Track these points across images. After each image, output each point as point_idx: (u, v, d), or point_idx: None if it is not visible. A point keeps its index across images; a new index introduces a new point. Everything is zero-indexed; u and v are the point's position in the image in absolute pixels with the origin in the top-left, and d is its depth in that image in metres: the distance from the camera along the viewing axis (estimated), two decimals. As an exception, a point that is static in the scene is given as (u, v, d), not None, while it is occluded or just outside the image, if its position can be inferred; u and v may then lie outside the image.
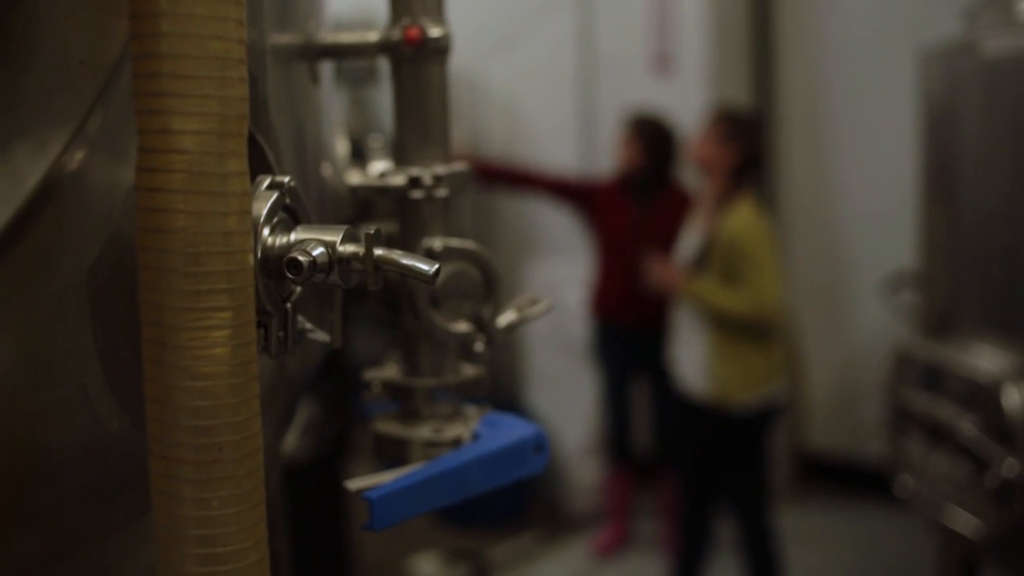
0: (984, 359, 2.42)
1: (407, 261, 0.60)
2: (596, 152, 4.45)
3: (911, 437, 2.63)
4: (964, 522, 2.37)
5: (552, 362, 4.31)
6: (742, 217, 2.96)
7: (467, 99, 5.10)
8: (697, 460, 3.11)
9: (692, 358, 3.01)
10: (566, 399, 4.24)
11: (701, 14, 4.12)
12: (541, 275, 4.46)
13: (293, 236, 0.60)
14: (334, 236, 0.60)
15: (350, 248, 0.59)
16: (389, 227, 0.86)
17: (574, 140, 4.62)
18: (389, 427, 0.82)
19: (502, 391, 5.14)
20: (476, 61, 5.04)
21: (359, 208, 0.93)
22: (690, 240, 3.10)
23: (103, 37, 0.57)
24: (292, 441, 2.96)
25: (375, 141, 0.96)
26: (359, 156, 0.97)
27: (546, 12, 4.86)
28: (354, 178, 0.88)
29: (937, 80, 2.72)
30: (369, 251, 0.59)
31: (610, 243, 3.63)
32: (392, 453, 0.81)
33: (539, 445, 0.76)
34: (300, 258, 0.58)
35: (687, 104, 4.08)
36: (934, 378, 2.57)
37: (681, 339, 3.09)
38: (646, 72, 4.27)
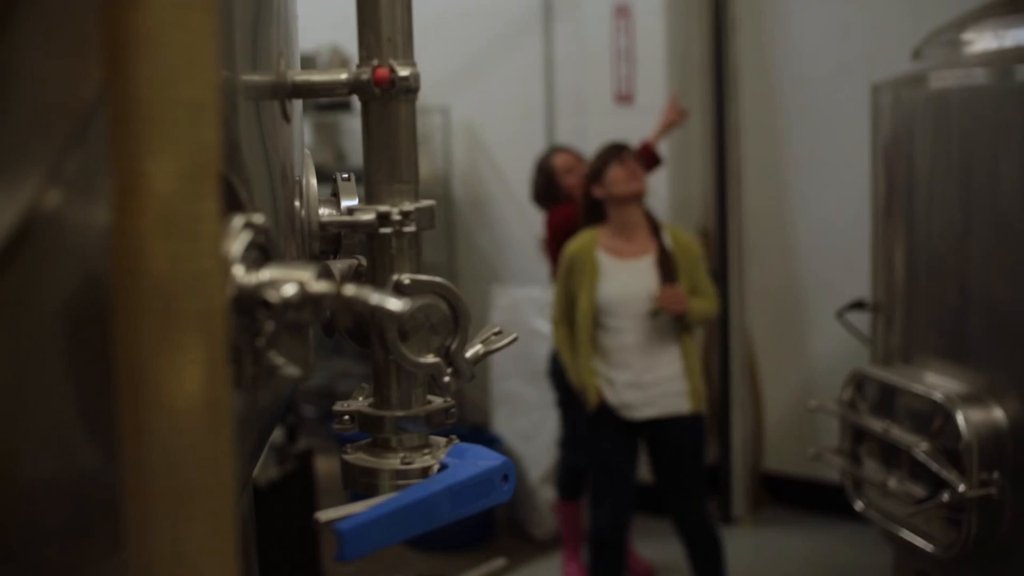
0: (937, 383, 2.48)
1: (376, 298, 0.61)
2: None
3: (868, 458, 2.68)
4: (919, 539, 2.42)
5: (518, 387, 4.34)
6: (678, 230, 3.33)
7: (432, 127, 5.14)
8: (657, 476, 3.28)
9: (667, 375, 3.14)
10: (533, 423, 4.27)
11: (661, 48, 4.20)
12: (506, 301, 4.49)
13: (265, 274, 0.62)
14: (305, 274, 0.61)
15: (321, 286, 0.61)
16: (359, 261, 0.88)
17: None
18: (358, 457, 0.83)
19: (469, 415, 5.15)
20: (442, 89, 5.09)
21: (330, 242, 0.95)
22: (643, 265, 3.13)
23: (78, 79, 0.58)
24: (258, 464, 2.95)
25: (344, 176, 0.98)
26: (324, 182, 0.99)
27: (512, 43, 4.93)
28: (325, 213, 0.89)
29: (888, 112, 2.80)
30: (339, 289, 0.60)
31: None
32: (362, 483, 0.82)
33: (506, 475, 0.78)
34: (272, 296, 0.59)
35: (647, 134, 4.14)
36: (889, 401, 2.63)
37: (651, 361, 3.14)
38: (608, 103, 4.34)
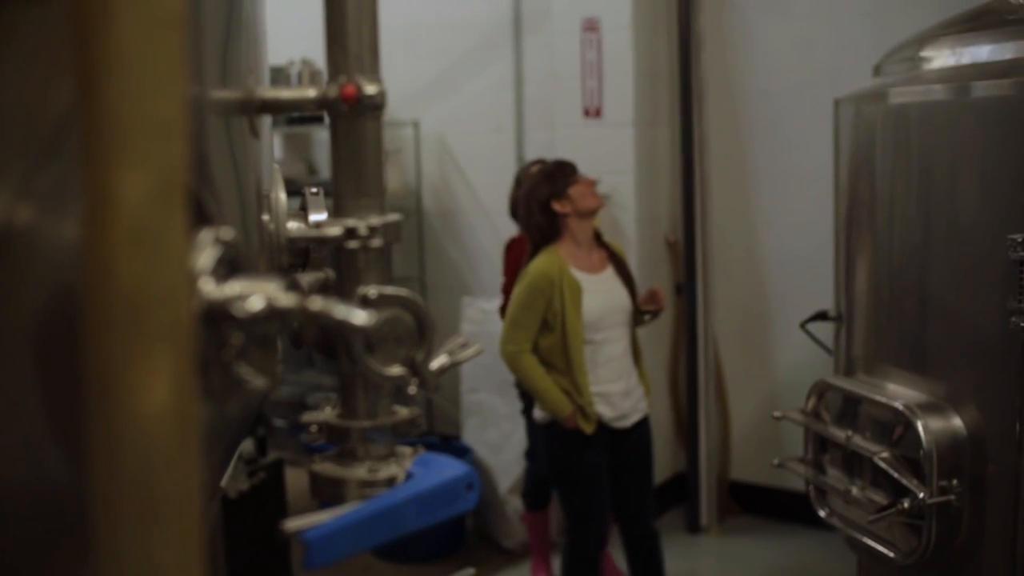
0: (898, 393, 2.52)
1: (342, 312, 0.63)
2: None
3: (831, 466, 2.72)
4: (881, 546, 2.46)
5: (488, 398, 4.35)
6: (610, 238, 3.39)
7: (403, 140, 5.16)
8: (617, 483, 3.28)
9: (630, 383, 3.21)
10: (502, 434, 4.28)
11: (628, 62, 4.25)
12: (476, 312, 4.51)
13: (233, 287, 0.63)
14: (272, 287, 0.63)
15: (287, 299, 0.62)
16: (327, 274, 0.90)
17: (508, 183, 4.72)
18: (325, 467, 0.85)
19: (440, 426, 5.15)
20: (413, 102, 5.11)
21: (298, 255, 0.96)
22: (608, 275, 3.21)
23: (50, 93, 0.60)
24: (227, 474, 2.95)
25: (313, 191, 0.99)
26: (293, 195, 1.00)
27: (482, 56, 4.96)
28: (293, 227, 0.91)
29: (850, 126, 2.85)
30: (305, 303, 0.62)
31: None
32: (329, 493, 0.84)
33: (470, 484, 0.80)
34: (239, 309, 0.61)
35: (615, 150, 4.20)
36: (853, 410, 2.67)
37: (631, 368, 3.22)
38: (577, 117, 4.38)
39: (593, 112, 4.30)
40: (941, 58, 2.65)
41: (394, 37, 5.10)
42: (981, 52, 2.54)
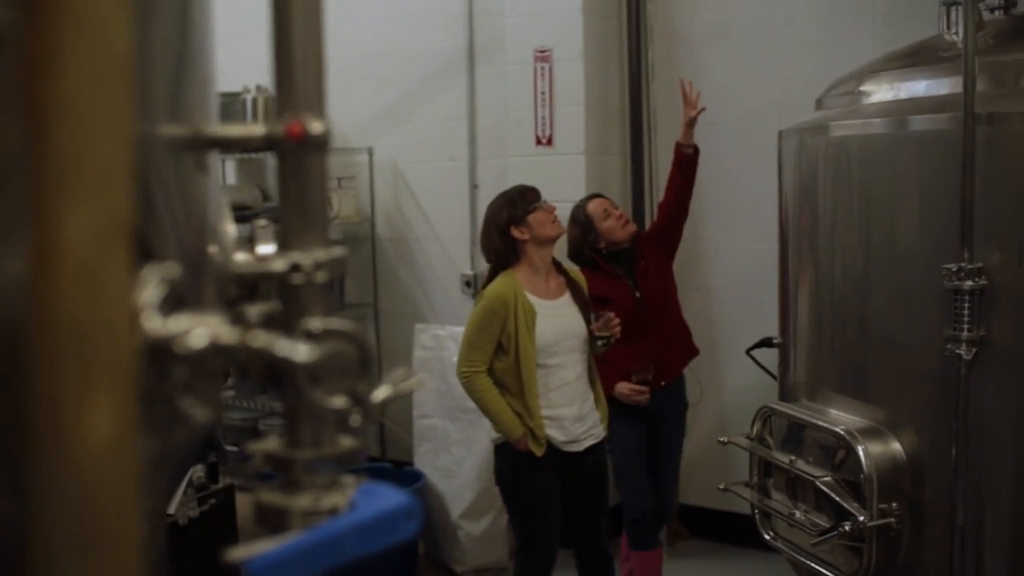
0: (840, 418, 2.58)
1: (283, 349, 0.65)
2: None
3: (776, 490, 2.77)
4: (824, 568, 2.51)
5: (440, 423, 4.35)
6: (568, 266, 3.44)
7: (357, 166, 5.18)
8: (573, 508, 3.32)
9: (591, 405, 3.27)
10: (455, 459, 4.29)
11: (579, 92, 4.32)
12: (429, 339, 4.52)
13: (176, 323, 0.65)
14: (215, 323, 0.65)
15: (230, 335, 0.64)
16: (272, 306, 0.91)
17: (462, 211, 4.77)
18: (270, 496, 0.86)
19: (392, 452, 5.14)
20: (367, 129, 5.14)
21: (245, 287, 0.98)
22: (565, 301, 3.25)
23: (-3, 135, 0.61)
24: (178, 501, 2.94)
25: (262, 223, 1.01)
26: (243, 220, 1.02)
27: (436, 84, 5.01)
28: (240, 260, 0.92)
29: (793, 158, 2.93)
30: (248, 338, 0.64)
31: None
32: (273, 522, 0.85)
33: (411, 512, 0.82)
34: (181, 345, 0.63)
35: (567, 179, 4.26)
36: (798, 435, 2.72)
37: (585, 393, 3.26)
38: (529, 146, 4.44)
39: (545, 141, 4.36)
40: (880, 92, 2.74)
41: (350, 65, 5.13)
42: (918, 87, 2.63)
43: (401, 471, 4.39)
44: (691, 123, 3.64)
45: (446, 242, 4.91)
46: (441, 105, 4.95)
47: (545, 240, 3.21)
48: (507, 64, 4.51)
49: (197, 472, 3.44)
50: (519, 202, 3.22)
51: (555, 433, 3.17)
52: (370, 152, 5.11)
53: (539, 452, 3.12)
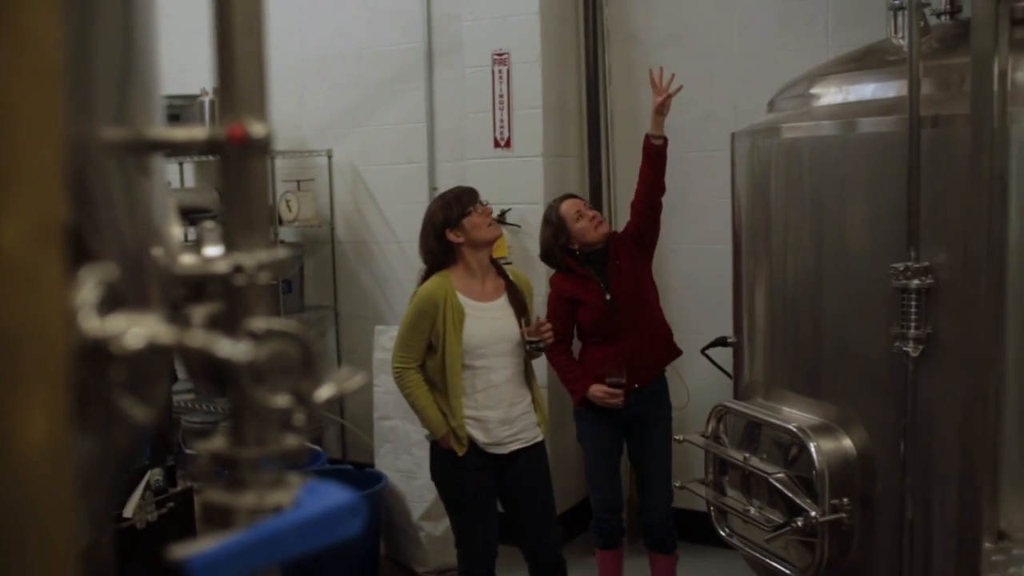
0: (793, 416, 2.63)
1: (224, 348, 0.66)
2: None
3: (731, 487, 2.80)
4: (778, 563, 2.55)
5: (400, 424, 4.36)
6: (514, 269, 3.45)
7: (316, 169, 5.16)
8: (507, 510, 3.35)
9: (525, 408, 3.27)
10: (415, 460, 4.29)
11: (537, 95, 4.34)
12: (389, 341, 4.51)
13: (115, 323, 0.66)
14: (153, 322, 0.65)
15: (168, 335, 0.65)
16: (217, 307, 0.92)
17: (421, 213, 4.77)
18: (216, 495, 0.87)
19: (353, 453, 5.13)
20: (326, 132, 5.12)
21: (192, 288, 0.98)
22: (500, 304, 3.25)
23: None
24: (135, 504, 2.93)
25: (209, 225, 1.01)
26: (195, 221, 1.02)
27: (395, 87, 5.01)
28: (185, 261, 0.93)
29: (745, 159, 2.97)
30: (186, 338, 0.65)
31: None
32: (219, 520, 0.86)
33: (354, 509, 0.83)
34: (117, 346, 0.63)
35: (525, 181, 4.28)
36: (754, 433, 2.76)
37: (515, 396, 3.26)
38: (488, 149, 4.45)
39: (503, 143, 4.38)
40: (830, 95, 2.78)
41: (309, 67, 5.11)
42: (866, 90, 2.68)
43: (362, 473, 4.38)
44: (659, 110, 3.59)
45: (406, 244, 4.91)
46: (400, 108, 4.96)
47: (480, 243, 3.22)
48: (465, 67, 4.53)
49: (155, 476, 3.41)
50: (455, 205, 3.22)
51: (478, 434, 3.20)
52: (329, 155, 5.10)
53: (460, 452, 3.18)
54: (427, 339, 3.19)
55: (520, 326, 3.22)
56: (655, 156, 3.61)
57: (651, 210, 3.71)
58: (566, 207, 3.66)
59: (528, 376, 3.32)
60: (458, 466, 3.22)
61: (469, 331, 3.17)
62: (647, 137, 3.62)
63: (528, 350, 3.24)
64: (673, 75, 3.65)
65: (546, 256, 3.72)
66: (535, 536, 3.32)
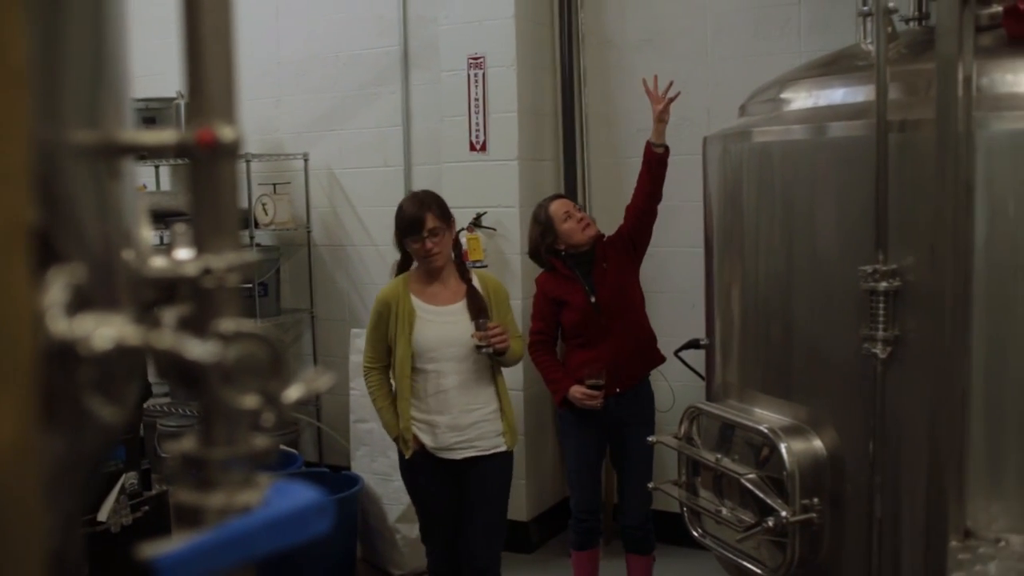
0: (764, 417, 2.65)
1: (192, 350, 0.67)
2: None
3: (703, 488, 2.83)
4: (750, 563, 2.57)
5: (376, 426, 4.35)
6: (484, 273, 3.45)
7: (293, 172, 5.15)
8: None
9: (484, 415, 3.25)
10: (391, 463, 4.29)
11: (512, 98, 4.36)
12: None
13: (83, 324, 0.66)
14: (121, 324, 0.66)
15: (135, 336, 0.66)
16: (186, 309, 0.93)
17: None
18: (186, 495, 0.88)
19: (329, 456, 5.12)
20: (302, 135, 5.12)
21: (163, 291, 0.99)
22: (457, 308, 3.24)
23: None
24: (110, 508, 2.93)
25: (180, 228, 1.02)
26: (169, 224, 1.03)
27: (371, 90, 5.01)
28: (156, 264, 0.94)
29: (717, 163, 3.00)
30: (153, 339, 0.66)
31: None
32: (189, 520, 0.87)
33: (323, 509, 0.84)
34: (84, 347, 0.64)
35: (500, 184, 4.30)
36: (727, 434, 2.79)
37: (469, 402, 3.24)
38: (464, 152, 4.47)
39: (479, 147, 4.39)
40: (800, 100, 2.81)
41: (285, 71, 5.10)
42: (836, 95, 2.71)
43: (338, 476, 4.38)
44: (660, 118, 3.58)
45: (382, 247, 4.91)
46: (376, 111, 4.96)
47: (422, 265, 3.26)
48: (441, 71, 4.54)
49: (130, 480, 3.40)
50: (400, 227, 3.24)
51: (427, 438, 3.22)
52: (305, 158, 5.10)
53: (407, 454, 3.24)
54: (385, 340, 3.25)
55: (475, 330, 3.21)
56: (656, 164, 3.62)
57: (647, 216, 3.73)
58: (555, 207, 3.67)
59: (494, 383, 3.29)
60: (409, 468, 3.29)
61: (418, 334, 3.18)
62: (648, 145, 3.63)
63: (480, 353, 3.22)
64: (671, 82, 3.66)
65: (532, 254, 3.74)
66: (472, 549, 3.30)
